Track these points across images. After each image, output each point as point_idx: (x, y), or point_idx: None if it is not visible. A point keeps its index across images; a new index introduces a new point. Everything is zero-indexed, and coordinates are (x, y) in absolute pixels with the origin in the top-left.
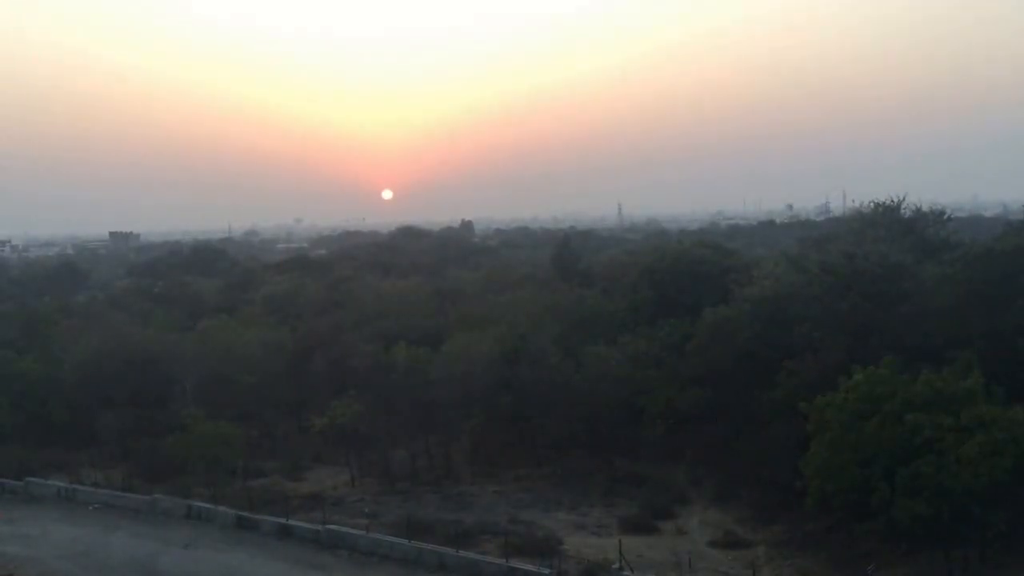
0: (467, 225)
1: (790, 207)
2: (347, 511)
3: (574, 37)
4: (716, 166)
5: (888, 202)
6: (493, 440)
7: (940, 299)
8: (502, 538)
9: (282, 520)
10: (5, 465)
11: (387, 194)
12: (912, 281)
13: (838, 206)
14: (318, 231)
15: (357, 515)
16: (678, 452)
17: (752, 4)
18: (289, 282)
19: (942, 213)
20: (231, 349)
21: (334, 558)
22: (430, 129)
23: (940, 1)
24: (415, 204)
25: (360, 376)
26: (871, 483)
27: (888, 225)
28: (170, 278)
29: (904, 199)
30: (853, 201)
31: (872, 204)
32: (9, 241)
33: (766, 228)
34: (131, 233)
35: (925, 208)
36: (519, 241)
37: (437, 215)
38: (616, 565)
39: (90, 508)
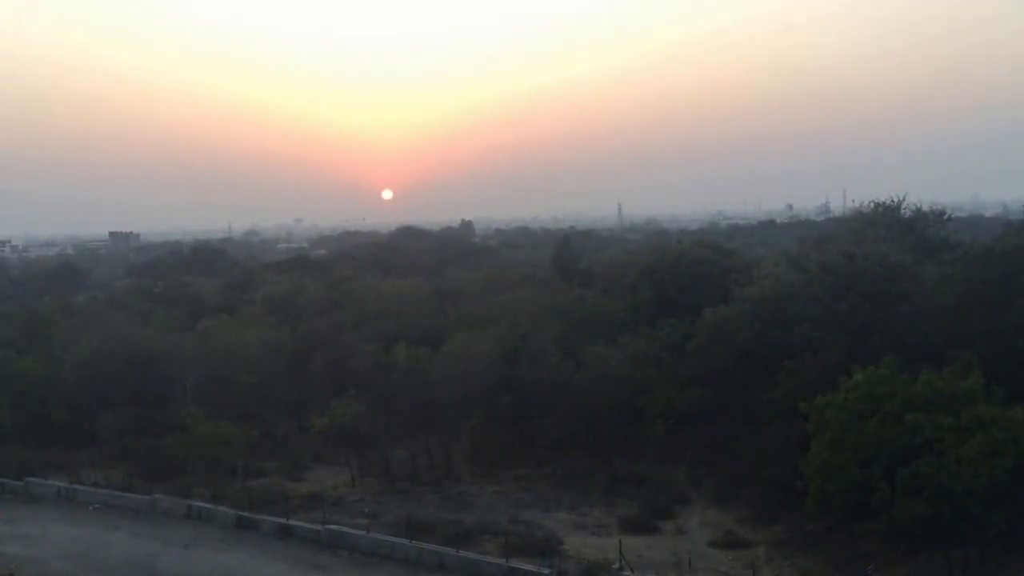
0: (467, 225)
1: (790, 207)
2: (347, 511)
3: (574, 37)
4: (716, 166)
5: (888, 202)
6: (493, 440)
7: (940, 299)
8: (502, 538)
9: (282, 520)
10: (5, 465)
11: (387, 194)
12: (912, 281)
13: (838, 206)
14: (318, 231)
15: (357, 515)
16: (678, 452)
17: (752, 4)
18: (289, 282)
19: (942, 213)
20: (231, 349)
21: (334, 558)
22: (430, 129)
23: (940, 1)
24: (415, 204)
25: (360, 376)
26: (871, 483)
27: (888, 225)
28: (170, 278)
29: (904, 199)
30: (853, 201)
31: (872, 204)
32: (9, 241)
33: (766, 228)
34: (131, 233)
35: (925, 208)
36: (519, 241)
37: (437, 215)
38: (616, 565)
39: (90, 508)
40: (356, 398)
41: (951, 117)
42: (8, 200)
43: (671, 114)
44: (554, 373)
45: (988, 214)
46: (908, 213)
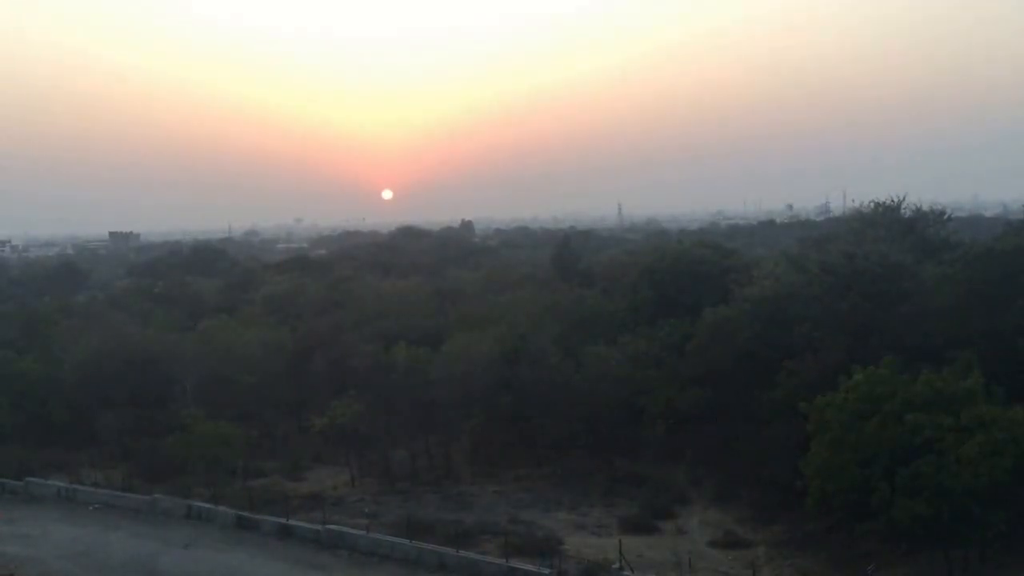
0: (467, 225)
1: (790, 207)
2: (347, 511)
3: (574, 37)
4: (716, 166)
5: (888, 202)
6: (493, 440)
7: (940, 299)
8: (502, 538)
9: (282, 520)
10: (5, 465)
11: (387, 194)
12: (912, 281)
13: (838, 206)
14: (318, 231)
15: (357, 515)
16: (678, 452)
17: (752, 4)
18: (289, 282)
19: (942, 213)
20: (231, 349)
21: (334, 558)
22: (430, 129)
23: (940, 1)
24: (415, 204)
25: (360, 376)
26: (871, 483)
27: (888, 225)
28: (170, 278)
29: (904, 199)
30: (853, 201)
31: (872, 204)
32: (9, 241)
33: (766, 228)
34: (131, 233)
35: (925, 208)
36: (519, 241)
37: (437, 215)
38: (616, 565)
39: (90, 508)
40: (356, 398)
41: (951, 117)
42: (8, 200)
43: (671, 114)
44: (554, 373)
45: (988, 214)
46: (908, 213)
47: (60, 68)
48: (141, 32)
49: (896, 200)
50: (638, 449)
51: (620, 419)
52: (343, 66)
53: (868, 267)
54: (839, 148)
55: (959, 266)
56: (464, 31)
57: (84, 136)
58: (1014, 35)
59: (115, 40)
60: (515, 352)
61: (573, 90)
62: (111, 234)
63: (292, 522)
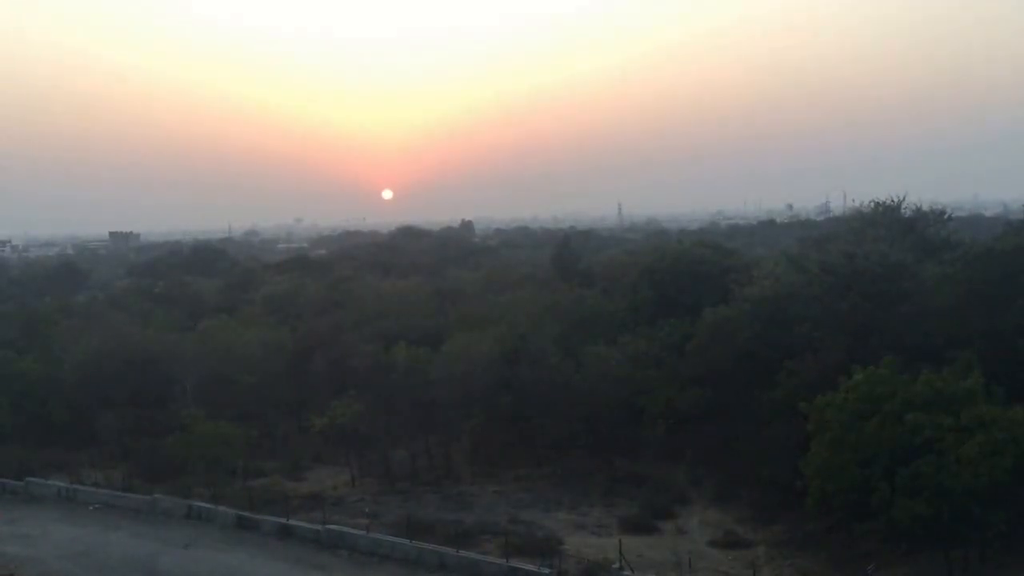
0: (467, 225)
1: (790, 207)
2: (347, 511)
3: (574, 37)
4: (716, 166)
5: (888, 202)
6: (493, 440)
7: (940, 299)
8: (502, 538)
9: (282, 520)
10: (5, 465)
11: (387, 194)
12: (912, 281)
13: (838, 206)
14: (318, 231)
15: (357, 515)
16: (678, 452)
17: (752, 4)
18: (289, 282)
19: (942, 212)
20: (231, 349)
21: (334, 558)
22: (430, 129)
23: (940, 1)
24: (415, 204)
25: (360, 376)
26: (871, 483)
27: (888, 225)
28: (170, 278)
29: (904, 199)
30: (853, 201)
31: (872, 204)
32: (9, 241)
33: (766, 228)
34: (131, 233)
35: (925, 208)
36: (519, 241)
37: (437, 215)
38: (616, 565)
39: (90, 508)
40: (356, 398)
41: (951, 117)
42: (8, 200)
43: (671, 114)
44: (554, 373)
45: (988, 214)
46: (908, 213)
47: (60, 68)
48: (141, 32)
49: (896, 200)
50: (638, 449)
51: (620, 419)
52: (343, 66)
53: (868, 267)
54: (839, 148)
55: (959, 266)
56: (464, 31)
57: (84, 136)
58: (1014, 35)
59: (115, 40)
60: (515, 352)
61: (573, 90)
62: (111, 234)
63: (292, 522)
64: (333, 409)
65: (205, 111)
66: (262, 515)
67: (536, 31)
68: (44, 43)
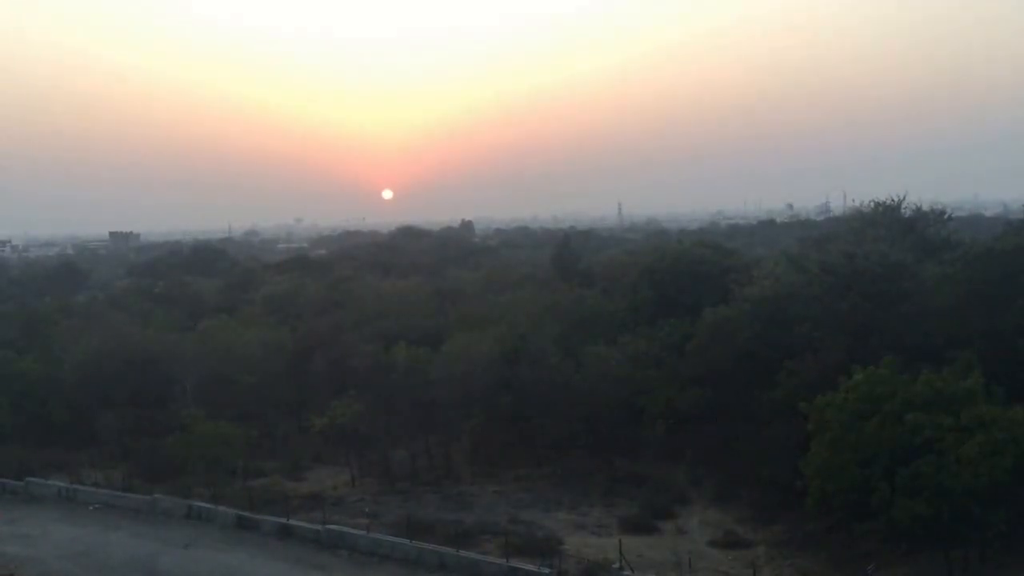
0: (467, 225)
1: (790, 207)
2: (347, 511)
3: (574, 37)
4: (716, 166)
5: (888, 202)
6: (493, 440)
7: (940, 299)
8: (502, 538)
9: (282, 520)
10: (5, 465)
11: (387, 194)
12: (912, 281)
13: (838, 206)
14: (318, 231)
15: (357, 515)
16: (678, 452)
17: (752, 4)
18: (289, 282)
19: (942, 212)
20: (231, 349)
21: (334, 558)
22: (430, 129)
23: (940, 1)
24: (415, 204)
25: (360, 376)
26: (871, 483)
27: (888, 225)
28: (170, 278)
29: (904, 199)
30: (853, 201)
31: (872, 204)
32: (9, 241)
33: (766, 228)
34: (131, 233)
35: (925, 207)
36: (519, 241)
37: (437, 215)
38: (616, 565)
39: (90, 508)
40: (356, 398)
41: (951, 117)
42: (8, 200)
43: (671, 114)
44: (554, 373)
45: (988, 214)
46: (908, 213)
47: (60, 68)
48: (141, 32)
49: (896, 200)
50: (638, 449)
51: (620, 419)
52: (343, 66)
53: (868, 267)
54: (839, 148)
55: (959, 266)
56: (464, 31)
57: (84, 136)
58: (1014, 35)
59: (115, 40)
60: (515, 352)
61: (573, 90)
62: (111, 234)
63: (292, 522)
64: (333, 409)
65: (205, 111)
66: (262, 515)
67: (536, 31)
68: (44, 43)
